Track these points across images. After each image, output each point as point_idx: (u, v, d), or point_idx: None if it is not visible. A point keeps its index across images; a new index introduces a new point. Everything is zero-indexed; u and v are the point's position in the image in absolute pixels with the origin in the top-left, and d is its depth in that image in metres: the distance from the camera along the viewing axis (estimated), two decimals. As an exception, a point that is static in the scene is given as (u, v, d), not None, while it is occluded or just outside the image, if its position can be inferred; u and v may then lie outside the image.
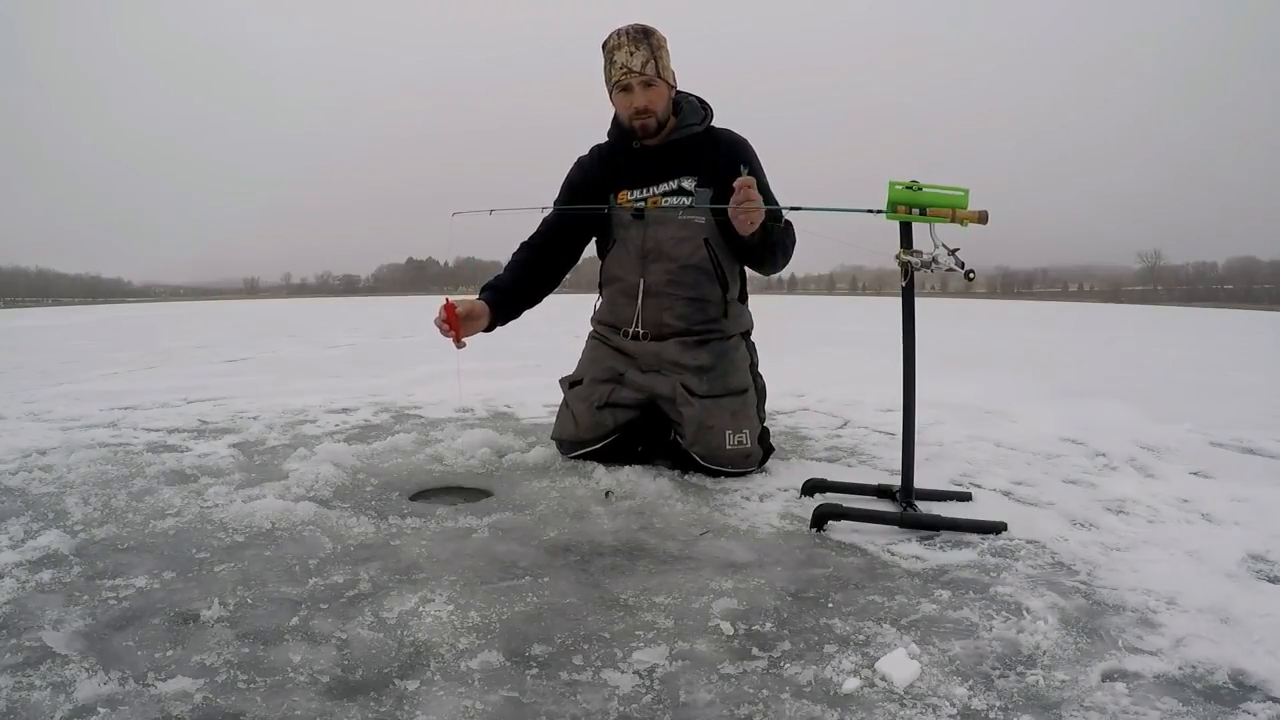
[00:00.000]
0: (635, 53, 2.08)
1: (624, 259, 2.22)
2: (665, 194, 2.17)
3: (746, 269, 2.30)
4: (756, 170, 2.21)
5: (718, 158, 2.17)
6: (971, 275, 1.65)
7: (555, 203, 2.31)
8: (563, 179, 2.35)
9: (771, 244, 2.08)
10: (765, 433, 2.19)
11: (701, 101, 2.24)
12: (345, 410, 3.28)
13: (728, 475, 2.06)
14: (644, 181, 2.20)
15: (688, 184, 2.17)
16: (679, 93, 2.23)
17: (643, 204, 2.17)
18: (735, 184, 1.90)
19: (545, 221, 2.32)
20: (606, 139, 2.30)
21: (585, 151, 2.34)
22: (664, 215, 2.16)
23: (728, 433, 2.06)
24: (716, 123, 2.26)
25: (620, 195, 2.21)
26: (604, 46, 2.15)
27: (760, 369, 2.29)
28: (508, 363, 4.75)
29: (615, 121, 2.25)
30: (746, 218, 1.91)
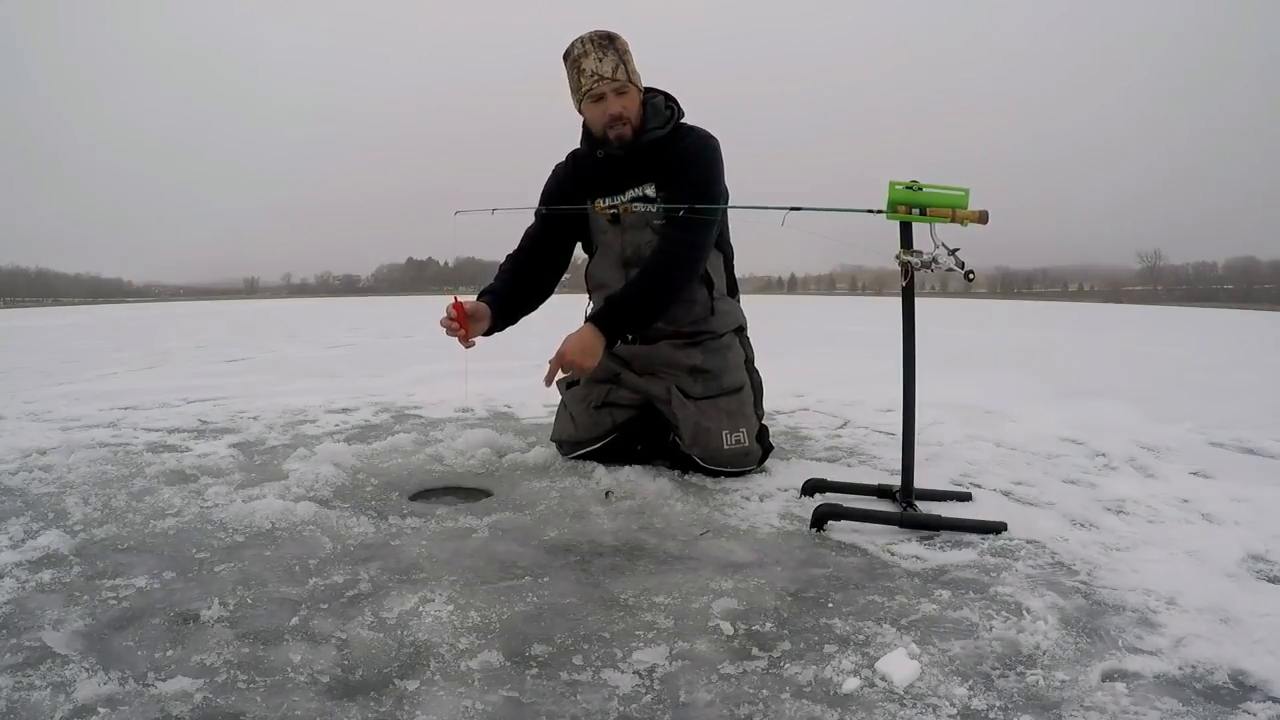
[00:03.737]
0: (604, 59, 2.04)
1: (606, 264, 2.23)
2: (633, 200, 2.15)
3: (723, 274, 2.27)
4: (699, 160, 2.12)
5: (673, 160, 2.12)
6: (971, 275, 1.65)
7: (535, 213, 2.31)
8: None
9: (635, 316, 2.04)
10: (764, 430, 2.19)
11: (669, 100, 2.19)
12: (345, 410, 3.28)
13: (728, 475, 2.06)
14: (613, 189, 2.17)
15: (650, 191, 2.14)
16: (645, 93, 2.17)
17: (616, 210, 2.16)
18: (552, 367, 1.97)
19: (526, 234, 2.31)
20: (580, 146, 2.26)
21: (563, 159, 2.32)
22: (638, 221, 2.15)
23: (725, 433, 2.06)
24: (714, 126, 2.23)
25: (596, 203, 2.19)
26: (566, 56, 2.11)
27: (757, 365, 2.29)
28: (508, 363, 4.75)
29: (586, 130, 2.21)
30: (578, 366, 1.97)
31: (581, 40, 2.08)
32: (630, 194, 2.16)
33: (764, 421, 2.24)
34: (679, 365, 2.15)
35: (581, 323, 2.40)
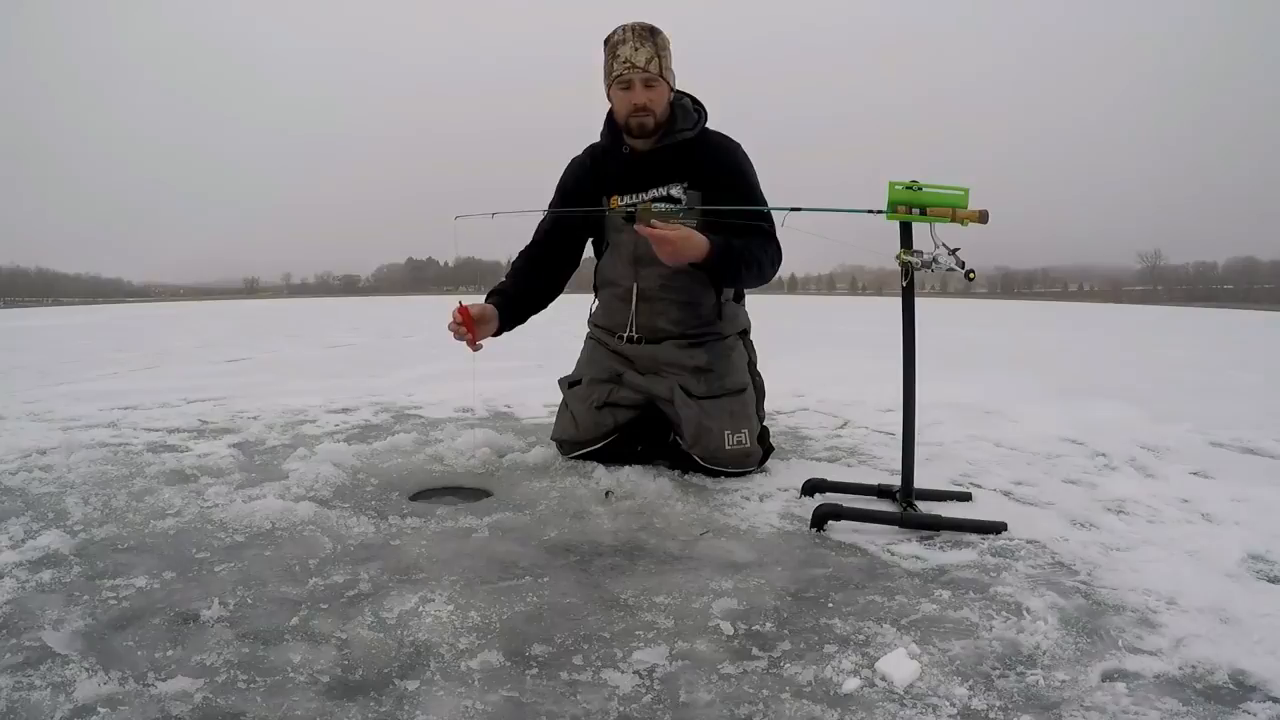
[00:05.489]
0: (640, 48, 2.06)
1: (617, 263, 2.22)
2: (655, 200, 2.16)
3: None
4: (746, 176, 2.17)
5: (707, 163, 2.15)
6: (972, 275, 1.65)
7: (550, 206, 2.31)
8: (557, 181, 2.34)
9: (733, 271, 2.08)
10: (765, 432, 2.19)
11: (696, 103, 2.22)
12: (345, 410, 3.28)
13: (728, 475, 2.06)
14: (634, 187, 2.18)
15: (676, 191, 2.15)
16: (675, 94, 2.20)
17: (634, 209, 2.17)
18: (658, 232, 1.91)
19: (540, 228, 2.32)
20: (599, 140, 2.28)
21: (580, 152, 2.33)
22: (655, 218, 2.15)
23: (726, 433, 2.06)
24: (716, 125, 2.24)
25: (613, 199, 2.20)
26: (606, 41, 2.13)
27: (760, 368, 2.29)
28: (508, 363, 4.75)
29: (608, 122, 2.23)
30: (669, 255, 1.95)
31: (624, 28, 2.09)
32: (653, 193, 2.16)
33: (764, 423, 2.24)
34: (683, 365, 2.15)
35: (585, 325, 2.41)
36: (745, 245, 2.07)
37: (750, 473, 2.10)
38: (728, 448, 2.06)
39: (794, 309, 18.68)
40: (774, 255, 2.14)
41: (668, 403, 2.14)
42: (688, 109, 2.19)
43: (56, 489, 1.97)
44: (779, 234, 2.13)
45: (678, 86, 2.21)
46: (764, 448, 2.16)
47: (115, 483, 2.03)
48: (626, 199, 2.18)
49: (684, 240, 1.94)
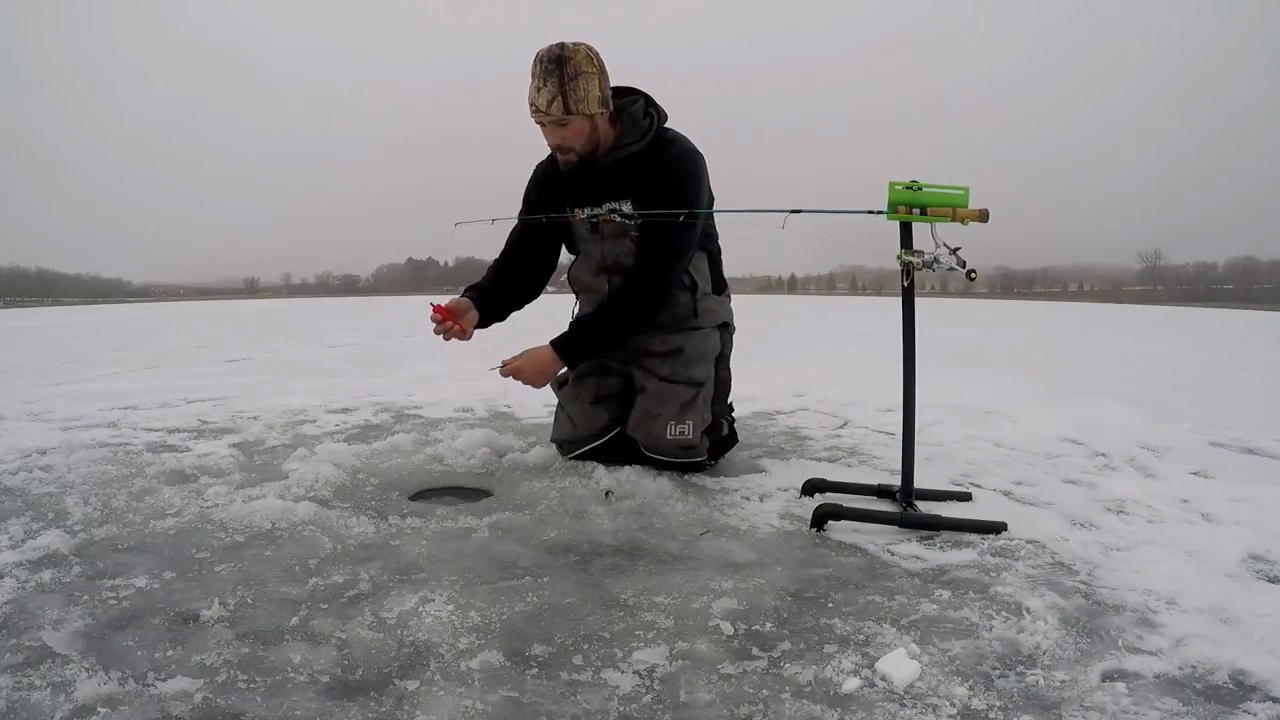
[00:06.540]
0: (542, 89, 1.94)
1: (588, 270, 2.23)
2: (610, 213, 2.12)
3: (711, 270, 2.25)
4: (684, 188, 2.05)
5: (649, 177, 2.06)
6: (973, 274, 1.65)
7: (520, 214, 2.30)
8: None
9: (594, 344, 2.12)
10: (717, 426, 2.17)
11: (649, 106, 2.12)
12: (345, 410, 3.28)
13: (672, 465, 2.08)
14: (590, 200, 2.15)
15: (626, 208, 2.10)
16: (625, 96, 2.11)
17: (596, 219, 2.15)
18: (510, 372, 2.07)
19: (509, 238, 2.31)
20: None
21: (544, 158, 2.28)
22: (616, 230, 2.13)
23: (670, 423, 2.06)
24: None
25: (575, 212, 2.17)
26: None
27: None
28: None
29: None
30: (531, 382, 2.09)
31: (537, 58, 1.97)
32: (607, 206, 2.13)
33: (724, 418, 2.22)
34: (655, 351, 2.14)
35: (568, 326, 2.40)
36: (595, 316, 2.11)
37: (703, 463, 2.12)
38: (669, 437, 2.06)
39: (794, 309, 18.68)
40: (652, 286, 2.06)
41: (641, 390, 2.15)
42: (636, 119, 2.08)
43: (56, 489, 1.97)
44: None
45: (634, 84, 2.13)
46: (716, 440, 2.16)
47: (115, 483, 2.03)
48: (586, 212, 2.15)
49: (533, 364, 2.06)
